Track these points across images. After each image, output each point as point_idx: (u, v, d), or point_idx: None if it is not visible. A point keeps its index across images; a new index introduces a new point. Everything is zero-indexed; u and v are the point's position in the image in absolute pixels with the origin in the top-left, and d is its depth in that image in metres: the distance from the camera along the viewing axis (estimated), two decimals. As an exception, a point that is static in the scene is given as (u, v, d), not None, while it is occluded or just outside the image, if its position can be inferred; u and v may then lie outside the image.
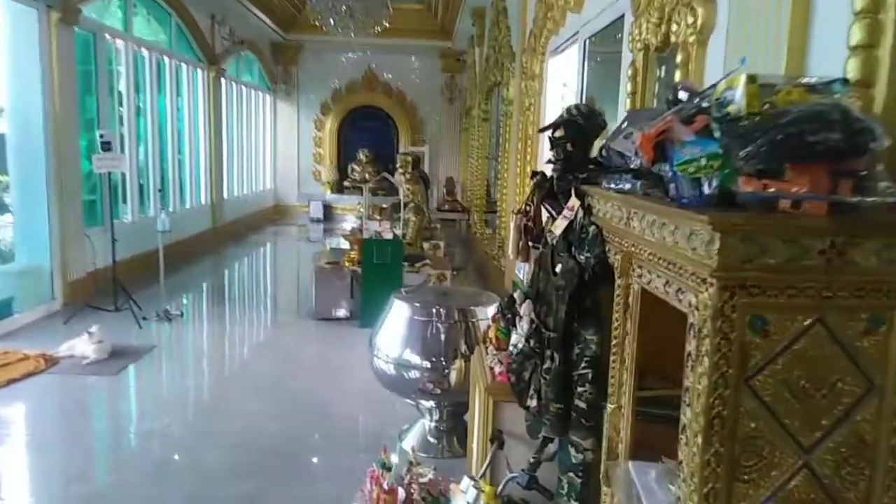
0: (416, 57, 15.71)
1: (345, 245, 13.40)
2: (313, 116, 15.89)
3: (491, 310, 3.72)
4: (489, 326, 3.67)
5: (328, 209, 15.64)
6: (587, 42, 4.42)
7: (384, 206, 11.25)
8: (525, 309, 2.88)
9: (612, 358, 1.74)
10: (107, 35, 7.79)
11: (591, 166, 2.18)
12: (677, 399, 1.35)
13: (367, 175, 15.95)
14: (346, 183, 15.98)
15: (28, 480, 3.54)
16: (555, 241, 2.19)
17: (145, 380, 4.97)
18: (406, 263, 6.53)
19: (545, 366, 2.10)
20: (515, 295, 3.16)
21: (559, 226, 2.09)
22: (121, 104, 8.39)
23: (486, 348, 3.17)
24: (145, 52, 8.98)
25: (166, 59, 9.69)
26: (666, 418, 1.89)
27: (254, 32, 13.22)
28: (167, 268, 7.00)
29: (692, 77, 2.45)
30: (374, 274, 6.25)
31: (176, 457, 3.69)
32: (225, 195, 12.18)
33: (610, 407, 1.75)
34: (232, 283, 8.96)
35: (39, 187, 6.43)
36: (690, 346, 1.25)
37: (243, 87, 13.61)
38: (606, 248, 1.86)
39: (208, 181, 11.36)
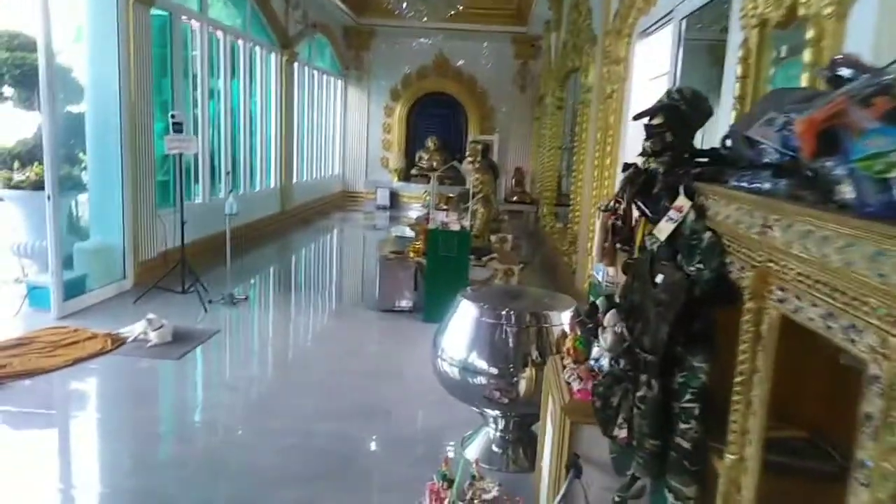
0: (488, 42, 15.35)
1: (410, 234, 13.34)
2: (383, 102, 15.79)
3: (566, 315, 3.42)
4: (563, 334, 3.37)
5: (395, 197, 15.56)
6: (683, 22, 4.00)
7: (451, 195, 11.05)
8: (610, 319, 2.56)
9: (734, 398, 1.42)
10: (183, 16, 7.82)
11: (705, 159, 1.84)
12: (810, 446, 1.03)
13: (434, 163, 15.75)
14: (413, 171, 15.85)
15: (88, 469, 3.49)
16: (656, 247, 1.87)
17: (207, 366, 4.92)
18: (472, 256, 6.27)
19: (639, 393, 1.79)
20: (598, 302, 2.85)
21: (663, 229, 1.77)
22: (195, 87, 8.45)
23: (562, 359, 2.87)
24: (220, 35, 9.01)
25: (240, 42, 9.72)
26: (789, 469, 1.56)
27: (326, 16, 13.19)
28: (235, 251, 6.97)
29: (825, 57, 2.06)
30: (438, 266, 6.02)
31: (231, 454, 3.56)
32: (294, 179, 12.23)
33: (729, 458, 1.43)
34: (297, 269, 8.95)
35: (115, 167, 6.51)
36: (871, 407, 0.93)
37: (315, 72, 13.62)
38: (727, 261, 1.53)
39: (278, 165, 11.41)
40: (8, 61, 7.06)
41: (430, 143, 15.75)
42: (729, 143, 1.64)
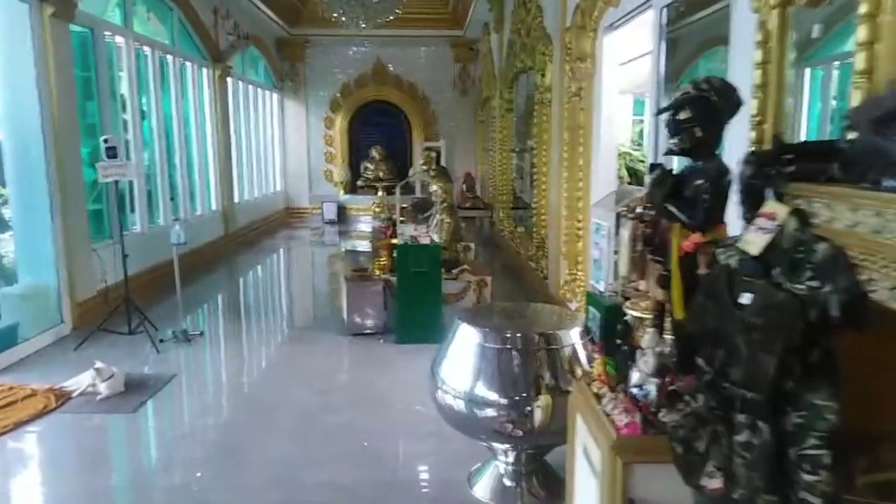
0: (426, 47, 15.10)
1: (361, 247, 12.94)
2: (323, 114, 15.30)
3: (574, 333, 3.14)
4: (574, 354, 3.10)
5: (342, 210, 15.09)
6: (664, 10, 3.81)
7: (405, 205, 10.67)
8: (650, 341, 2.29)
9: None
10: (106, 32, 7.21)
11: (793, 155, 1.58)
12: None
13: (380, 173, 15.33)
14: (359, 182, 15.35)
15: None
16: (734, 261, 1.59)
17: (167, 417, 4.41)
18: (442, 270, 5.95)
19: (740, 437, 1.50)
20: (627, 319, 2.58)
21: (754, 241, 1.50)
22: (124, 108, 7.82)
23: (590, 384, 2.58)
24: (147, 50, 8.40)
25: (169, 58, 9.11)
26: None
27: (258, 28, 12.63)
28: (181, 281, 6.39)
29: (887, 33, 1.84)
30: (410, 283, 5.67)
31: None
32: (236, 199, 11.62)
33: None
34: (251, 295, 8.40)
35: (41, 199, 5.87)
36: None
37: (249, 86, 13.02)
38: (862, 278, 1.27)
39: (218, 186, 10.79)
40: None
41: (374, 153, 15.24)
42: (849, 136, 1.38)
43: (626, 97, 6.18)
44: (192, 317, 6.88)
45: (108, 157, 5.44)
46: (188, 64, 9.78)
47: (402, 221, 8.67)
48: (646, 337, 2.29)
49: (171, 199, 6.05)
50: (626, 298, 3.51)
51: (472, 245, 7.55)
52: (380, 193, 15.87)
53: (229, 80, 11.22)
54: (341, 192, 15.41)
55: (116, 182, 5.59)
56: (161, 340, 5.76)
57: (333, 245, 12.65)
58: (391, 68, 15.16)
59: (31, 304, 5.75)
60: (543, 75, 6.92)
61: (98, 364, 4.64)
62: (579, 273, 5.33)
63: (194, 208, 9.97)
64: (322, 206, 14.96)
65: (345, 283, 6.10)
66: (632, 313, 3.21)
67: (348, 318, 6.00)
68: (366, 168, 15.66)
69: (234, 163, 11.57)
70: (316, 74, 15.11)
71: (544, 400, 2.97)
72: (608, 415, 2.29)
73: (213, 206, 10.72)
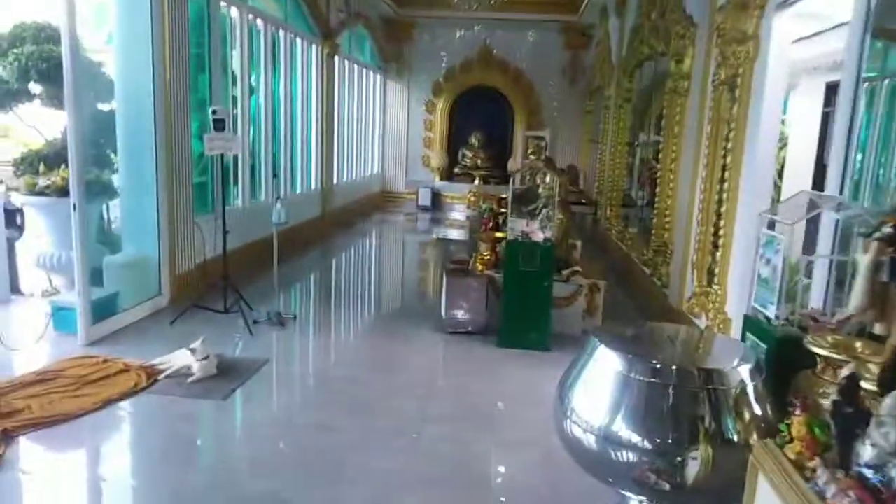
0: (536, 32, 14.43)
1: (453, 235, 12.54)
2: (424, 97, 14.97)
3: (745, 370, 2.55)
4: (742, 394, 2.52)
5: (437, 197, 14.75)
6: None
7: (503, 195, 10.15)
8: (891, 406, 1.71)
9: None
10: (222, 2, 7.08)
11: None
12: None
13: (479, 161, 14.93)
14: (456, 169, 15.02)
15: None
16: None
17: (257, 410, 4.13)
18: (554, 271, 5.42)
19: None
20: (846, 369, 1.98)
21: None
22: (234, 83, 7.73)
23: (782, 446, 2.01)
24: (260, 24, 8.28)
25: (281, 33, 8.98)
26: None
27: (366, 6, 12.41)
28: (277, 261, 6.22)
29: None
30: (517, 283, 5.19)
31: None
32: (335, 180, 11.49)
33: None
34: (345, 280, 8.17)
35: (149, 170, 5.80)
36: None
37: (355, 66, 12.86)
38: None
39: (319, 165, 10.67)
40: (34, 55, 6.38)
41: (474, 140, 14.91)
42: None
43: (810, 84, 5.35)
44: (286, 298, 6.70)
45: (216, 129, 5.26)
46: (299, 40, 9.65)
47: (523, 217, 8.23)
48: (887, 401, 1.70)
49: (274, 176, 5.85)
50: (803, 329, 2.89)
51: (579, 243, 6.98)
52: (476, 182, 15.51)
53: (336, 58, 11.05)
54: (437, 178, 15.08)
55: (222, 156, 5.41)
56: (255, 321, 5.57)
57: (426, 232, 12.35)
58: (498, 53, 14.60)
59: (132, 273, 5.70)
60: (680, 61, 6.21)
61: (194, 344, 4.45)
62: (716, 288, 4.67)
63: (295, 187, 9.88)
64: (417, 191, 14.69)
65: (445, 276, 5.69)
66: (818, 351, 2.59)
67: (446, 314, 5.59)
68: (464, 155, 15.28)
69: (336, 143, 11.43)
70: (421, 56, 14.79)
71: (703, 451, 2.41)
72: (824, 499, 1.72)
73: (313, 186, 10.62)
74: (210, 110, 5.26)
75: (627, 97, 9.22)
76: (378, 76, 14.62)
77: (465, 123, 15.05)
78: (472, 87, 14.85)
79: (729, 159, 4.51)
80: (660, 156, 6.77)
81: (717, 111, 4.96)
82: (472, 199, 14.42)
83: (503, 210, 8.54)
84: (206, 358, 4.44)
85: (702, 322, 5.02)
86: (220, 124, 5.24)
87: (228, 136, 5.32)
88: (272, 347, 5.17)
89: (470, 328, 5.54)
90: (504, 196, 9.92)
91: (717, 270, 4.66)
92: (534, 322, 5.21)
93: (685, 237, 5.58)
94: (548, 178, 6.08)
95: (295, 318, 5.82)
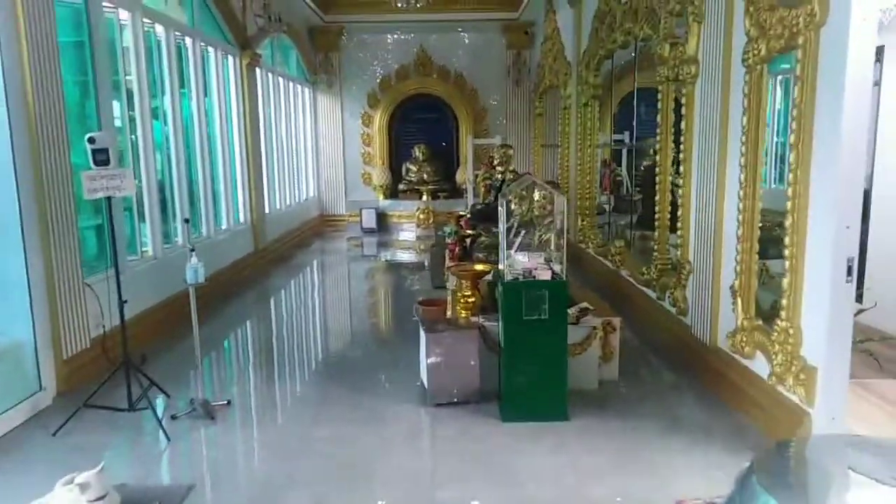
0: (475, 33, 13.41)
1: (402, 256, 11.25)
2: (360, 110, 13.67)
3: None
4: None
5: (382, 217, 13.45)
6: None
7: (460, 213, 8.94)
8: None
9: None
10: (105, 3, 5.61)
11: None
12: None
13: (425, 175, 13.70)
14: (401, 186, 13.75)
15: None
16: None
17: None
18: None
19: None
20: None
21: None
22: (130, 104, 6.24)
23: None
24: (160, 31, 6.82)
25: (188, 41, 7.52)
26: None
27: (289, 14, 11.02)
28: (201, 316, 4.76)
29: None
30: (522, 337, 3.97)
31: None
32: (267, 210, 10.02)
33: None
34: (287, 332, 6.74)
35: (10, 222, 4.30)
36: None
37: (281, 79, 11.43)
38: None
39: (247, 195, 9.20)
40: None
41: (417, 153, 13.68)
42: None
43: None
44: (215, 373, 5.27)
45: (97, 163, 3.83)
46: (211, 50, 8.20)
47: (477, 236, 7.03)
48: None
49: (185, 220, 4.41)
50: None
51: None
52: (424, 198, 14.27)
53: (258, 70, 9.62)
54: (381, 197, 13.78)
55: (109, 199, 3.97)
56: (174, 417, 4.16)
57: (374, 258, 11.04)
58: (436, 58, 13.47)
59: (-3, 368, 4.18)
60: (676, 44, 5.17)
61: (82, 476, 3.01)
62: (784, 325, 3.57)
63: (219, 222, 8.39)
64: (361, 213, 13.35)
65: (423, 331, 4.41)
66: None
67: (430, 381, 4.31)
68: (408, 170, 14.03)
69: (265, 168, 9.97)
70: (352, 66, 13.50)
71: None
72: None
73: (241, 219, 9.14)
74: (86, 139, 3.81)
75: (594, 94, 8.21)
76: (307, 90, 13.22)
77: (407, 135, 13.84)
78: (411, 95, 13.67)
79: (791, 157, 3.43)
80: (657, 158, 5.71)
81: (754, 96, 3.89)
82: (422, 216, 13.21)
83: (469, 232, 7.37)
84: (102, 497, 3.01)
85: (758, 365, 3.93)
86: (101, 156, 3.81)
87: (115, 172, 3.89)
88: (199, 458, 3.78)
89: (461, 398, 4.29)
90: (462, 213, 8.76)
91: (783, 302, 3.57)
92: (546, 385, 4.00)
93: (714, 255, 4.50)
94: (536, 196, 4.89)
95: (229, 403, 4.41)
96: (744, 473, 1.74)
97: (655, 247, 5.81)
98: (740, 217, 4.08)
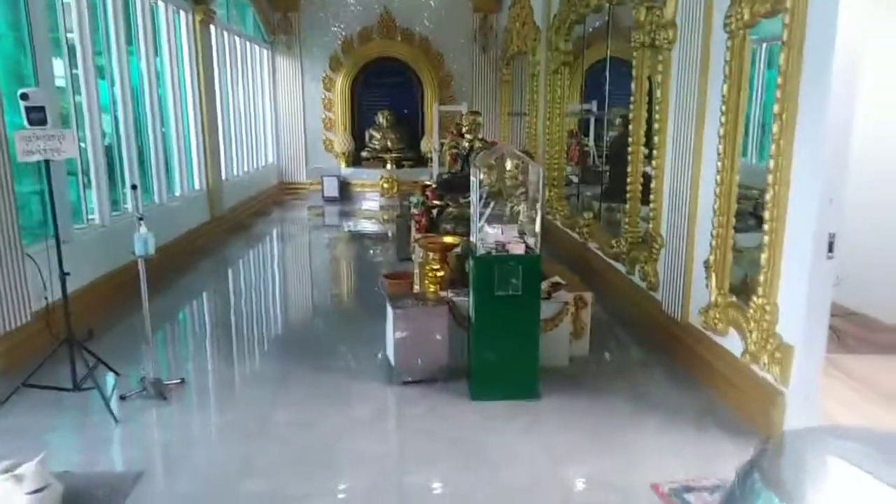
0: (440, -6, 12.99)
1: (366, 226, 10.97)
2: (321, 73, 13.19)
3: None
4: None
5: (344, 186, 13.09)
6: None
7: (426, 182, 8.68)
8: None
9: None
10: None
11: None
12: None
13: (388, 143, 13.37)
14: (364, 153, 13.40)
15: None
16: None
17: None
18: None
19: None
20: None
21: None
22: (72, 62, 5.78)
23: None
24: (103, -18, 6.32)
25: (135, -5, 7.02)
26: None
27: (246, -32, 10.46)
28: (154, 288, 4.48)
29: None
30: (493, 313, 3.82)
31: None
32: (223, 176, 9.60)
33: None
34: (246, 305, 6.47)
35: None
36: None
37: (237, 38, 10.88)
38: None
39: (201, 160, 8.78)
40: None
41: (381, 119, 13.33)
42: None
43: None
44: (168, 349, 5.00)
45: (31, 122, 3.47)
46: (161, 4, 7.68)
47: (445, 207, 6.81)
48: None
49: (133, 187, 4.02)
50: None
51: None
52: (388, 166, 13.93)
53: (213, 28, 9.11)
54: (343, 164, 13.41)
55: (47, 162, 3.62)
56: (122, 397, 3.90)
57: (336, 228, 10.74)
58: (399, 20, 13.03)
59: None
60: (652, 8, 4.99)
61: (22, 467, 2.76)
62: (760, 301, 3.49)
63: (172, 188, 7.98)
64: (322, 181, 12.96)
65: (390, 307, 4.22)
66: None
67: (396, 358, 4.14)
68: (371, 136, 13.66)
69: (221, 132, 9.52)
70: (313, 27, 12.96)
71: None
72: None
73: (197, 185, 8.73)
74: (18, 95, 3.45)
75: (565, 60, 8.00)
76: (265, 50, 12.67)
77: (370, 101, 13.45)
78: (375, 59, 13.25)
79: (775, 127, 3.30)
80: (630, 128, 5.56)
81: (736, 63, 3.75)
82: (386, 185, 12.92)
83: (436, 202, 7.15)
84: (41, 489, 2.77)
85: (731, 342, 3.87)
86: (37, 114, 3.45)
87: (53, 133, 3.54)
88: (150, 443, 3.54)
89: (429, 375, 4.13)
90: (428, 183, 8.51)
91: (760, 278, 3.49)
92: (517, 362, 3.87)
93: (689, 229, 4.40)
94: (508, 165, 4.69)
95: (182, 381, 4.17)
96: (745, 468, 1.63)
97: (626, 219, 5.71)
98: (718, 190, 3.97)
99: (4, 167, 4.33)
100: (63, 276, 3.77)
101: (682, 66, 4.52)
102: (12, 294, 4.41)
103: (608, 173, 7.98)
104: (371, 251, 8.86)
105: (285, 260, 8.83)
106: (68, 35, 5.69)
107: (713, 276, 4.08)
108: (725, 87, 3.85)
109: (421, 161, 13.25)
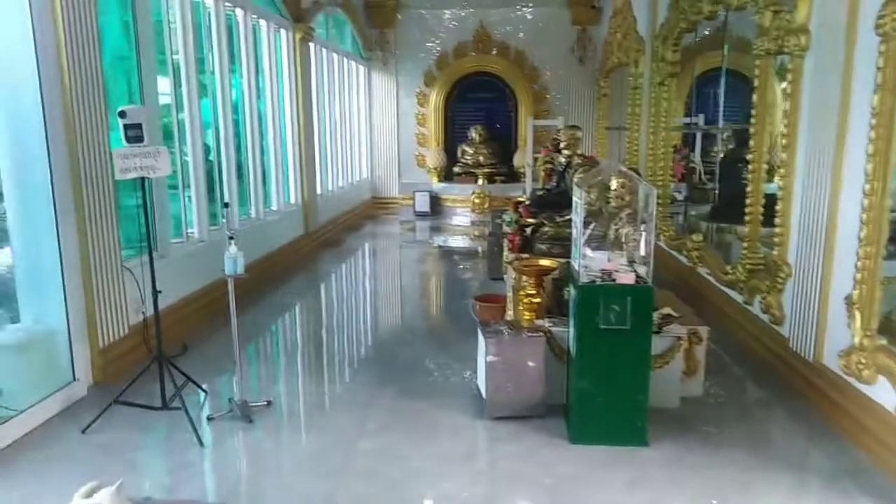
0: (538, 8, 12.69)
1: (457, 242, 10.76)
2: (415, 89, 13.19)
3: None
4: None
5: (435, 201, 12.98)
6: None
7: (519, 198, 8.34)
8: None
9: None
10: (149, -29, 5.28)
11: None
12: None
13: (481, 158, 13.16)
14: (455, 168, 13.25)
15: None
16: None
17: None
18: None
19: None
20: None
21: None
22: (176, 80, 5.92)
23: None
24: (209, 2, 6.48)
25: (239, 14, 7.18)
26: None
27: (344, -14, 10.59)
28: (247, 302, 4.39)
29: None
30: (597, 348, 3.45)
31: None
32: (318, 191, 9.69)
33: None
34: (336, 324, 6.38)
35: (43, 202, 4.02)
36: None
37: (335, 55, 11.04)
38: None
39: (298, 176, 8.88)
40: None
41: (474, 134, 13.13)
42: None
43: None
44: (259, 366, 4.94)
45: (129, 140, 3.48)
46: (263, 22, 7.85)
47: (539, 225, 6.48)
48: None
49: (224, 205, 3.96)
50: None
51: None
52: (480, 182, 13.72)
53: (312, 45, 9.25)
54: (435, 179, 13.32)
55: (144, 180, 3.62)
56: (209, 418, 3.84)
57: (426, 244, 10.61)
58: (495, 35, 12.84)
59: (27, 357, 3.93)
60: (779, 12, 4.48)
61: (96, 496, 2.67)
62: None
63: (269, 203, 8.10)
64: (414, 195, 12.92)
65: (482, 336, 3.93)
66: None
67: (488, 391, 3.85)
68: (464, 152, 13.50)
69: (317, 147, 9.64)
70: (408, 43, 13.00)
71: None
72: None
73: (293, 200, 8.84)
74: (117, 112, 3.46)
75: (672, 71, 7.49)
76: (362, 67, 12.81)
77: (464, 116, 13.29)
78: (469, 74, 13.10)
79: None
80: (751, 143, 5.03)
81: (892, 70, 3.23)
82: (477, 201, 12.69)
83: (530, 220, 6.82)
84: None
85: (882, 392, 3.31)
86: (134, 132, 3.45)
87: (149, 150, 3.53)
88: (232, 470, 3.42)
89: (523, 411, 3.81)
90: (521, 199, 8.19)
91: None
92: (622, 404, 3.48)
93: (825, 258, 3.86)
94: (613, 185, 4.30)
95: (269, 403, 4.06)
96: None
97: (744, 244, 5.15)
98: (864, 216, 3.43)
99: (108, 183, 4.41)
100: (155, 293, 3.75)
101: (818, 74, 4.00)
102: (111, 308, 4.48)
103: (717, 192, 7.40)
104: (461, 267, 8.63)
105: (376, 276, 8.76)
106: (174, 57, 5.84)
107: (857, 314, 3.53)
108: (876, 97, 3.32)
109: (513, 176, 12.96)
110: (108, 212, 4.44)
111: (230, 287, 3.82)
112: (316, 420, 4.06)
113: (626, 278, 3.39)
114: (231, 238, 3.67)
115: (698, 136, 8.49)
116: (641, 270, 3.50)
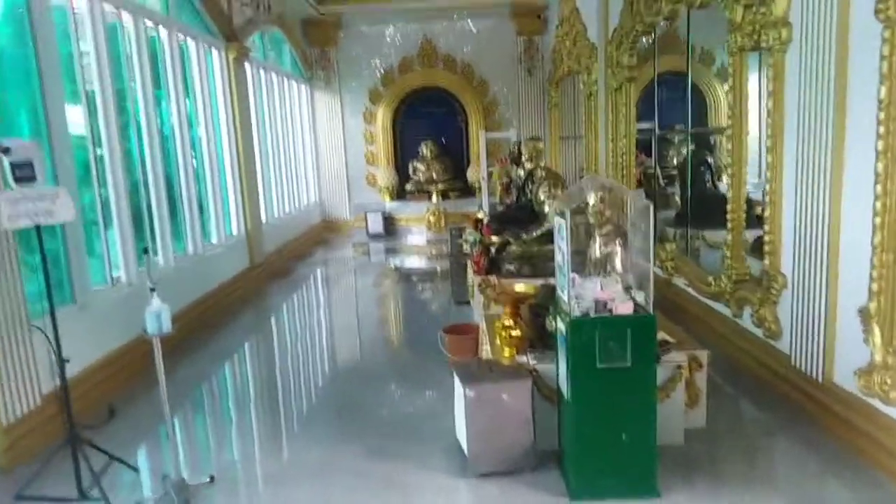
0: (482, 20, 12.39)
1: (414, 263, 10.27)
2: (361, 107, 12.67)
3: None
4: None
5: (389, 221, 12.46)
6: None
7: (478, 215, 7.89)
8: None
9: None
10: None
11: None
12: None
13: (433, 174, 12.70)
14: (408, 186, 12.76)
15: None
16: None
17: None
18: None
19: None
20: None
21: None
22: (91, 110, 5.23)
23: None
24: (127, 20, 5.83)
25: (162, 33, 6.53)
26: None
27: (279, 3, 10.02)
28: (188, 349, 3.74)
29: None
30: (596, 390, 2.98)
31: None
32: (263, 219, 9.04)
33: None
34: (290, 369, 5.74)
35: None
36: None
37: (273, 75, 10.43)
38: None
39: (239, 204, 8.22)
40: None
41: (425, 150, 12.69)
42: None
43: None
44: (199, 433, 4.29)
45: (18, 180, 2.84)
46: (191, 42, 7.21)
47: (505, 244, 6.03)
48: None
49: (144, 251, 3.30)
50: None
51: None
52: (434, 199, 13.26)
53: (248, 65, 8.64)
54: (387, 199, 12.80)
55: (39, 227, 2.97)
56: (137, 503, 3.19)
57: (382, 265, 10.06)
58: (441, 48, 12.47)
59: None
60: (751, 6, 4.16)
61: None
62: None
63: (207, 237, 7.42)
64: (366, 216, 12.36)
65: (461, 388, 3.41)
66: None
67: (470, 446, 3.33)
68: (415, 169, 13.02)
69: (259, 173, 9.00)
70: (351, 60, 12.49)
71: None
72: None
73: (234, 231, 8.17)
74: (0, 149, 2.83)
75: (629, 76, 7.19)
76: (304, 87, 12.22)
77: (413, 132, 12.83)
78: (417, 89, 12.68)
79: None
80: (730, 146, 4.69)
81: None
82: (433, 219, 12.22)
83: (494, 239, 6.36)
84: None
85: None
86: (23, 171, 2.83)
87: (44, 193, 2.91)
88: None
89: (512, 465, 3.30)
90: (480, 216, 7.73)
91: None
92: (628, 450, 3.02)
93: (827, 266, 3.50)
94: (591, 200, 3.86)
95: (212, 479, 3.44)
96: None
97: (727, 253, 4.80)
98: (877, 220, 3.07)
99: (7, 238, 3.74)
100: (62, 363, 3.11)
101: (805, 70, 3.67)
102: (17, 374, 3.78)
103: (679, 196, 7.12)
104: (422, 290, 8.11)
105: (331, 306, 8.13)
106: (86, 88, 5.17)
107: (875, 328, 3.16)
108: (884, 89, 2.98)
109: (468, 191, 12.56)
110: (8, 264, 3.76)
111: (156, 347, 3.19)
112: (270, 498, 3.44)
113: (624, 308, 2.93)
114: (152, 290, 3.06)
115: (653, 140, 8.25)
116: (640, 297, 3.05)
